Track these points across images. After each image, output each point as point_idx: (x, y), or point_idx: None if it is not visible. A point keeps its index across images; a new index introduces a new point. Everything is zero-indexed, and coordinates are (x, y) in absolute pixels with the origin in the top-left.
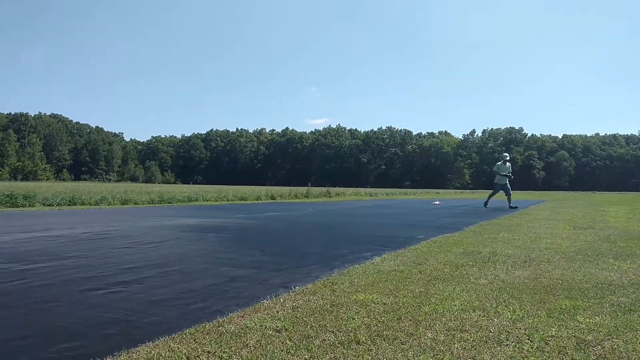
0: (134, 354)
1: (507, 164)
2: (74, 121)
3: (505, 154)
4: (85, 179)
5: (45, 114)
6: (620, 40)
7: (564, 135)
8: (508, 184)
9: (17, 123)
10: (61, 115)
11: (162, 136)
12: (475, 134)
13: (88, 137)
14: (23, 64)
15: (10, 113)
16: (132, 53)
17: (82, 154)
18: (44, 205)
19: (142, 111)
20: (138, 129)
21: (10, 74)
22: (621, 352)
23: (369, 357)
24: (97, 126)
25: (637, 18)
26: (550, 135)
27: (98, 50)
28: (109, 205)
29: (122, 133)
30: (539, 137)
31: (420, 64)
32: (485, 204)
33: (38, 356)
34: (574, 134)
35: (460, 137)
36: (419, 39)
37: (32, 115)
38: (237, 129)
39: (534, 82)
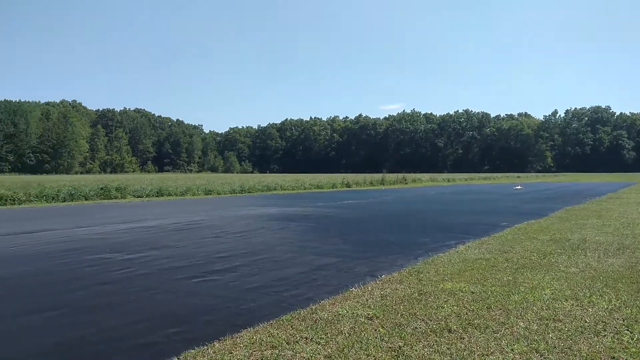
0: (237, 339)
1: None
2: (156, 115)
3: None
4: (168, 171)
5: (130, 109)
6: None
7: None
8: None
9: (105, 119)
10: (144, 109)
11: (239, 127)
12: (558, 115)
13: (170, 130)
14: (106, 63)
15: (98, 109)
16: (209, 49)
17: (165, 146)
18: (134, 196)
19: (219, 103)
20: (216, 120)
21: (98, 74)
22: None
23: (462, 345)
24: (178, 119)
25: None
26: None
27: (176, 47)
28: (194, 196)
29: (202, 125)
30: (628, 116)
31: (498, 43)
32: None
33: (151, 339)
34: None
35: (541, 118)
36: (494, 18)
37: (118, 111)
38: (310, 117)
39: (618, 57)
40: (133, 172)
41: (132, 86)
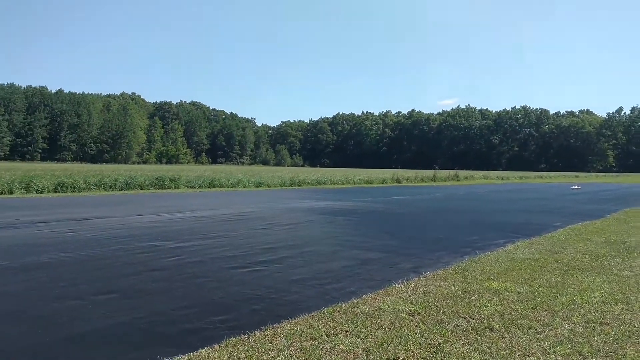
0: (278, 329)
1: None
2: (211, 108)
3: None
4: (221, 162)
5: (185, 101)
6: None
7: None
8: None
9: (162, 111)
10: (200, 102)
11: (291, 121)
12: (623, 112)
13: (223, 123)
14: (164, 57)
15: (156, 102)
16: (262, 46)
17: (219, 138)
18: (187, 187)
19: (272, 97)
20: (269, 114)
21: (156, 67)
22: None
23: (503, 345)
24: (232, 112)
25: None
26: None
27: (232, 41)
28: (244, 188)
29: (254, 118)
30: None
31: (563, 34)
32: None
33: (199, 325)
34: None
35: (605, 115)
36: (555, 13)
37: (174, 103)
38: (362, 112)
39: None
40: (187, 163)
41: (188, 80)
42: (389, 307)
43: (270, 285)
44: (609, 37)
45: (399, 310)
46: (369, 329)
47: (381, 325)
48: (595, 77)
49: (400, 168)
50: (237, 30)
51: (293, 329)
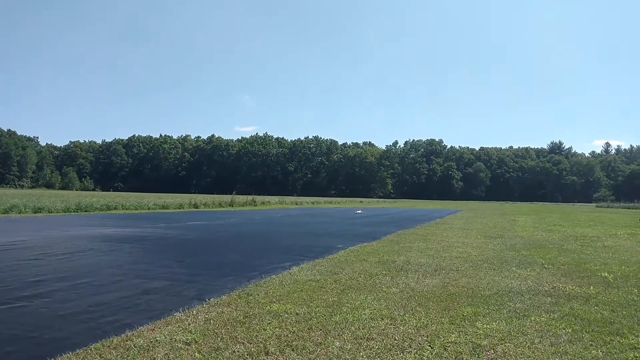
0: None
1: None
2: None
3: None
4: None
5: None
6: (531, 60)
7: (480, 147)
8: None
9: None
10: None
11: (81, 141)
12: (398, 145)
13: None
14: None
15: None
16: (48, 52)
17: None
18: None
19: (59, 114)
20: (55, 133)
21: None
22: (511, 355)
23: None
24: (9, 129)
25: (547, 40)
26: (468, 147)
27: (11, 49)
28: (20, 214)
29: (37, 137)
30: (457, 149)
31: (346, 76)
32: None
33: None
34: (490, 147)
35: (384, 147)
36: (347, 50)
37: None
38: (160, 135)
39: (453, 96)
40: None
41: None
42: (165, 337)
43: (31, 322)
44: (394, 78)
45: (175, 340)
46: None
47: (154, 358)
48: (375, 113)
49: (200, 193)
50: (23, 35)
51: None
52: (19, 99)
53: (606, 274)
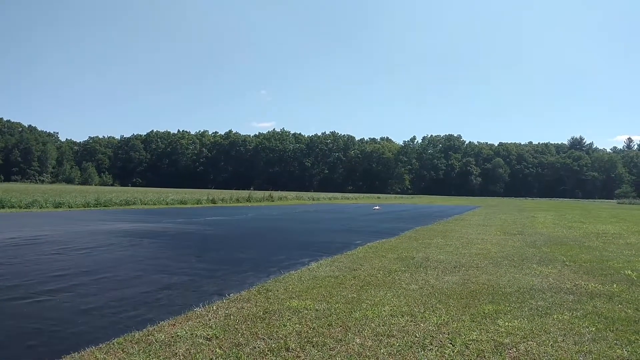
0: None
1: None
2: (4, 119)
3: None
4: (16, 180)
5: None
6: (551, 55)
7: (499, 143)
8: None
9: None
10: None
11: (100, 137)
12: (416, 141)
13: (20, 137)
14: None
15: None
16: (68, 50)
17: (13, 153)
18: None
19: (78, 110)
20: (74, 129)
21: None
22: (534, 353)
23: None
24: (30, 125)
25: (570, 35)
26: (487, 142)
27: (32, 47)
28: (41, 209)
29: (57, 133)
30: (476, 145)
31: (364, 71)
32: None
33: None
34: (509, 142)
35: (401, 143)
36: (365, 46)
37: None
38: (178, 130)
39: (472, 91)
40: None
41: None
42: (186, 333)
43: (53, 317)
44: (413, 72)
45: (196, 335)
46: (161, 357)
47: (176, 353)
48: (392, 109)
49: (218, 188)
50: (36, 33)
51: None
52: (39, 95)
53: (629, 272)
